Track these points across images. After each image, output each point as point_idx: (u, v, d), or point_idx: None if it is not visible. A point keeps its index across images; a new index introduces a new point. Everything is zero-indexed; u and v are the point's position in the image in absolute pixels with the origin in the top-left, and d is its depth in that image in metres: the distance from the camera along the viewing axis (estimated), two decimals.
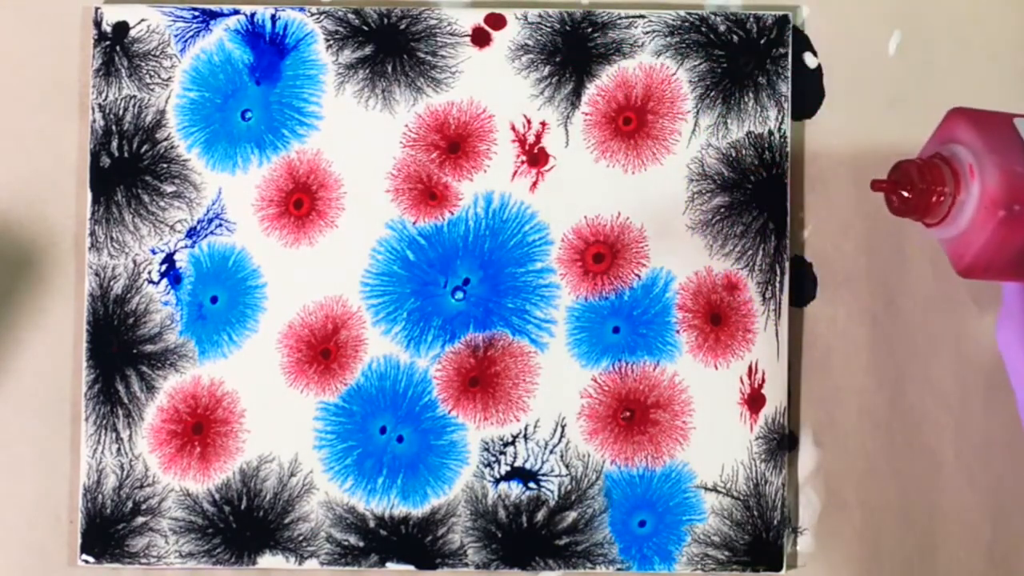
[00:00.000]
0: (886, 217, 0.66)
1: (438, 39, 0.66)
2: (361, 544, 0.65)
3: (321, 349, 0.65)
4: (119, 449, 0.65)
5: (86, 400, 0.65)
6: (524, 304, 0.65)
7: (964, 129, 0.54)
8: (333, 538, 0.65)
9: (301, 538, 0.65)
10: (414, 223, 0.66)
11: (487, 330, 0.65)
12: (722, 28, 0.66)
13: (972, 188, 0.54)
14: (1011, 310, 0.55)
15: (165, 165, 0.66)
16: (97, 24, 0.66)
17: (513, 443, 0.65)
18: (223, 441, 0.65)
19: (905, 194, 0.55)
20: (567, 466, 0.65)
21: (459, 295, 0.65)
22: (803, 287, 0.66)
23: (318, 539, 0.65)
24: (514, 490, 0.65)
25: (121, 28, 0.66)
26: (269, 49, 0.66)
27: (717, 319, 0.65)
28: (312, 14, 0.66)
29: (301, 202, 0.66)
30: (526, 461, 0.65)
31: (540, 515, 0.65)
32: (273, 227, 0.66)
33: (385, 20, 0.66)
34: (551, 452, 0.65)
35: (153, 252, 0.66)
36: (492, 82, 0.66)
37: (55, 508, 0.66)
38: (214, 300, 0.66)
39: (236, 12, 0.66)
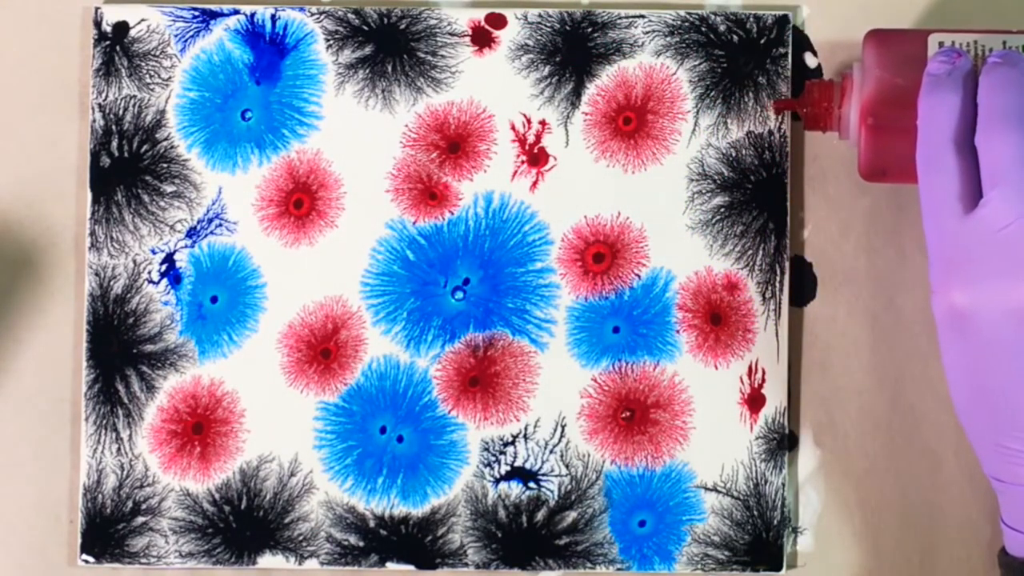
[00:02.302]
0: (886, 217, 0.66)
1: (438, 39, 0.66)
2: (361, 544, 0.65)
3: (321, 349, 0.65)
4: (119, 449, 0.65)
5: (86, 400, 0.65)
6: (524, 304, 0.65)
7: (868, 48, 0.60)
8: (333, 538, 0.65)
9: (301, 538, 0.65)
10: (414, 223, 0.66)
11: (487, 330, 0.65)
12: (722, 28, 0.66)
13: (853, 101, 0.60)
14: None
15: (165, 165, 0.66)
16: (97, 24, 0.66)
17: (513, 443, 0.65)
18: (223, 441, 0.65)
19: (804, 110, 0.62)
20: (567, 466, 0.65)
21: (459, 295, 0.65)
22: (803, 287, 0.66)
23: (318, 539, 0.65)
24: (514, 490, 0.65)
25: (121, 28, 0.66)
26: (269, 49, 0.66)
27: (717, 319, 0.65)
28: (312, 14, 0.66)
29: (301, 202, 0.66)
30: (526, 461, 0.65)
31: (540, 515, 0.65)
32: (273, 227, 0.66)
33: (385, 20, 0.66)
34: (551, 452, 0.65)
35: (153, 252, 0.66)
36: (492, 82, 0.66)
37: (55, 508, 0.66)
38: (214, 300, 0.66)
39: (236, 12, 0.66)
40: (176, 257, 0.66)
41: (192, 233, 0.66)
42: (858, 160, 0.60)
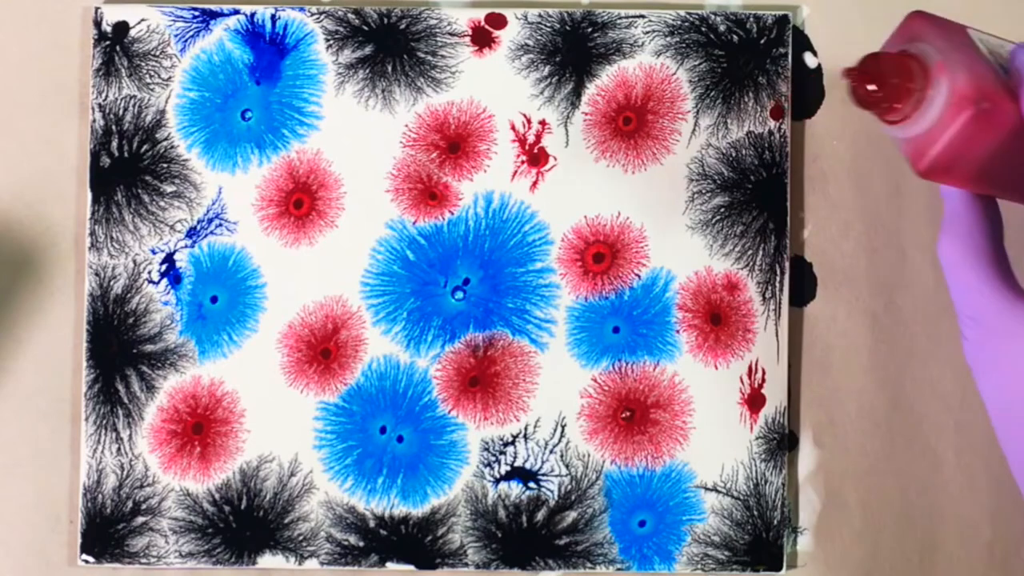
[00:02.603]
0: (886, 217, 0.66)
1: (438, 39, 0.66)
2: (361, 544, 0.65)
3: (321, 349, 0.65)
4: (119, 449, 0.65)
5: (86, 400, 0.65)
6: (524, 304, 0.65)
7: (928, 29, 0.53)
8: (333, 538, 0.65)
9: (301, 538, 0.65)
10: (414, 223, 0.66)
11: (487, 330, 0.65)
12: (722, 28, 0.66)
13: (941, 85, 0.52)
14: (953, 219, 0.54)
15: (165, 165, 0.66)
16: (97, 24, 0.66)
17: (513, 443, 0.65)
18: (223, 441, 0.65)
19: (872, 87, 0.53)
20: (567, 466, 0.65)
21: (459, 295, 0.65)
22: (803, 287, 0.66)
23: (318, 539, 0.65)
24: (514, 490, 0.65)
25: (121, 28, 0.66)
26: (269, 49, 0.66)
27: (717, 319, 0.65)
28: (312, 14, 0.66)
29: (301, 202, 0.66)
30: (526, 461, 0.65)
31: (540, 515, 0.65)
32: (273, 227, 0.66)
33: (385, 20, 0.66)
34: (551, 452, 0.65)
35: (153, 252, 0.66)
36: (492, 82, 0.66)
37: (55, 508, 0.66)
38: (214, 300, 0.66)
39: (236, 12, 0.66)
40: (176, 257, 0.66)
41: (192, 233, 0.66)
42: (921, 151, 0.53)
